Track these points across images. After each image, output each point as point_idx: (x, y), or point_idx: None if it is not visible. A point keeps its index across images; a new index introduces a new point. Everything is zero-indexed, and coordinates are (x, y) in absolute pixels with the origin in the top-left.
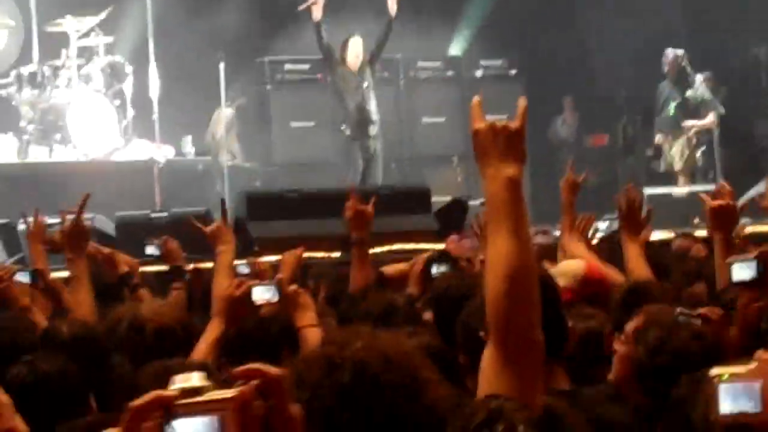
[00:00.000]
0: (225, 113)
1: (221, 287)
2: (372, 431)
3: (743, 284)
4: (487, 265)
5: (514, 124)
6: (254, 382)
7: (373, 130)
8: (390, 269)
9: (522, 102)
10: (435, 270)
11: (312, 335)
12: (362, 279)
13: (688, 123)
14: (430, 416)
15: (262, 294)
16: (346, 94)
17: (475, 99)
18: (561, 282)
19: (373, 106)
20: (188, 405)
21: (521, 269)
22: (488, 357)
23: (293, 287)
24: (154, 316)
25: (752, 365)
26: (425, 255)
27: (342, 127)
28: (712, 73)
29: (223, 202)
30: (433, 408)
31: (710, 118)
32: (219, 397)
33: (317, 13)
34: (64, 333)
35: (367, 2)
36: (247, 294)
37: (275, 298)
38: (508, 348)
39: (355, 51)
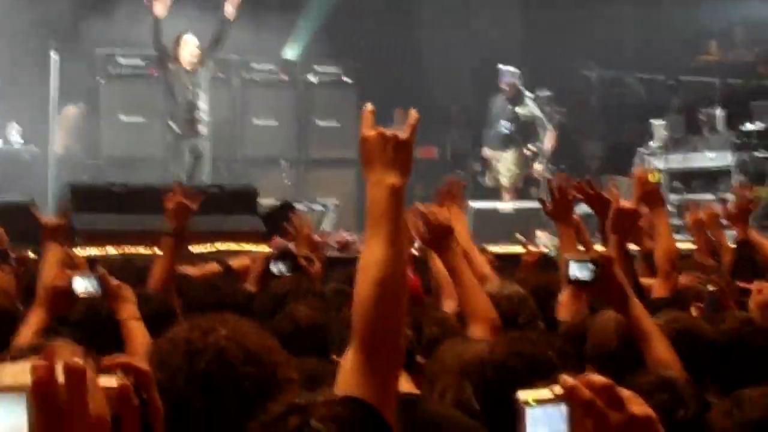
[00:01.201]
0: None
1: (47, 277)
2: (223, 421)
3: (579, 283)
4: (360, 268)
5: (404, 135)
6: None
7: (203, 129)
8: (236, 263)
9: (413, 114)
10: (275, 269)
11: (134, 327)
12: (165, 272)
13: (531, 147)
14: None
15: (84, 286)
16: (177, 92)
17: (368, 106)
18: None
19: (203, 105)
20: None
21: (393, 276)
22: (349, 359)
23: (115, 281)
24: None
25: (557, 388)
26: (266, 252)
27: (171, 124)
28: (553, 93)
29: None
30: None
31: (548, 142)
32: (20, 379)
33: (161, 10)
34: None
35: None
36: (69, 284)
37: (97, 291)
38: (370, 352)
39: (189, 48)
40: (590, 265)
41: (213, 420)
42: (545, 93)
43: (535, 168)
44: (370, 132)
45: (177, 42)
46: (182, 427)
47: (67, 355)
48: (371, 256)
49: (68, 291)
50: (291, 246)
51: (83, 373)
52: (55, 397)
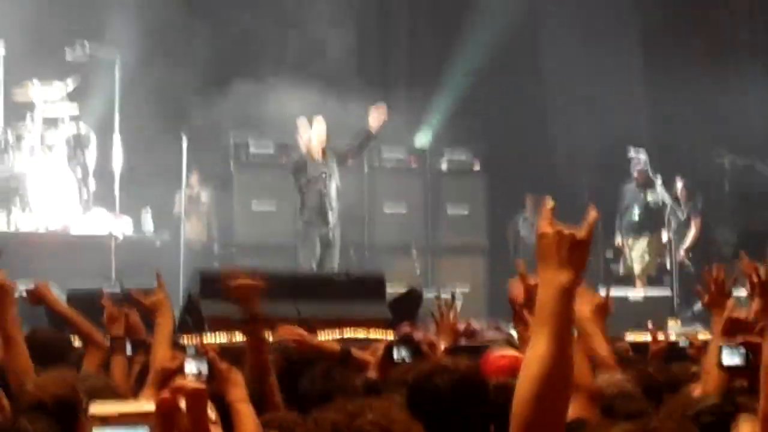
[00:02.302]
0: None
1: (159, 359)
2: None
3: (731, 369)
4: (524, 364)
5: (581, 234)
6: (168, 394)
7: (332, 217)
8: (357, 352)
9: (592, 213)
10: (396, 355)
11: (243, 409)
12: (254, 361)
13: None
14: None
15: (194, 367)
16: (307, 179)
17: (549, 202)
18: None
19: (333, 193)
20: (117, 417)
21: (557, 374)
22: None
23: (224, 364)
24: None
25: None
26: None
27: (301, 213)
28: (687, 180)
29: (158, 275)
30: None
31: (693, 231)
32: (144, 409)
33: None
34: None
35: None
36: (181, 367)
37: (206, 373)
38: None
39: (318, 134)
40: (742, 351)
41: None
42: (681, 183)
43: (679, 255)
44: (548, 229)
45: (307, 127)
46: None
47: (191, 386)
48: (536, 352)
49: (178, 373)
50: (413, 332)
51: (205, 398)
52: (178, 424)
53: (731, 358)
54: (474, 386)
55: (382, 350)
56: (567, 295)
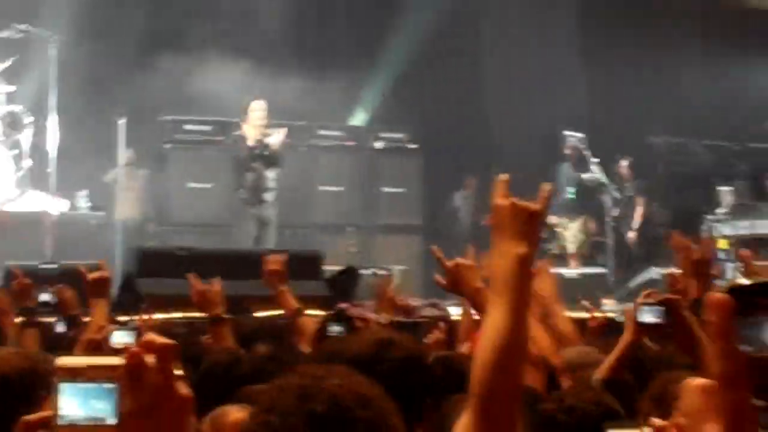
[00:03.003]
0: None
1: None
2: None
3: (649, 327)
4: (482, 334)
5: (535, 206)
6: (138, 348)
7: (269, 196)
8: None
9: (545, 187)
10: (330, 329)
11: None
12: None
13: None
14: None
15: (121, 338)
16: (244, 159)
17: (503, 176)
18: None
19: (270, 173)
20: (86, 369)
21: (515, 343)
22: (464, 424)
23: (152, 335)
24: None
25: (646, 429)
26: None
27: (238, 192)
28: (631, 161)
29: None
30: None
31: (640, 210)
32: (113, 362)
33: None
34: None
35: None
36: (107, 338)
37: (133, 344)
38: (487, 417)
39: (259, 115)
40: (661, 308)
41: None
42: (628, 159)
43: (629, 235)
44: (503, 201)
45: (245, 110)
46: None
47: (160, 341)
48: (493, 323)
49: (103, 345)
50: (349, 308)
51: (173, 353)
52: (146, 380)
53: (649, 315)
54: (416, 360)
55: (316, 325)
56: (523, 266)
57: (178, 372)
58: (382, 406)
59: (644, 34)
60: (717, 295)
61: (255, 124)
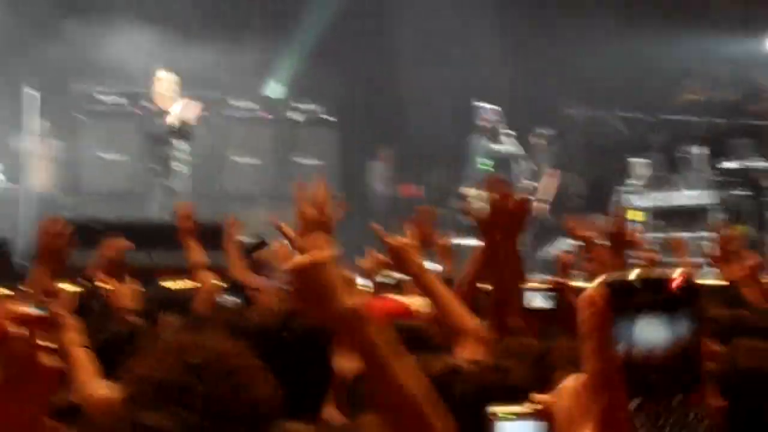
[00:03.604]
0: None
1: None
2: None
3: (539, 312)
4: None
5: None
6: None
7: (180, 166)
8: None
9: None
10: (224, 299)
11: (79, 353)
12: None
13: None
14: (251, 412)
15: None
16: (154, 130)
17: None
18: None
19: (181, 145)
20: None
21: None
22: None
23: (58, 308)
24: None
25: (529, 405)
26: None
27: (149, 164)
28: (552, 132)
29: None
30: (254, 405)
31: (550, 182)
32: None
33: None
34: None
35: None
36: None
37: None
38: None
39: (166, 86)
40: (551, 293)
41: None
42: (542, 130)
43: (537, 206)
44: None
45: (154, 80)
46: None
47: (19, 311)
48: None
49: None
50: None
51: (46, 324)
52: (8, 349)
53: (537, 300)
54: (320, 332)
55: (212, 294)
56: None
57: (47, 343)
58: (239, 362)
59: (560, 5)
60: (590, 292)
61: (163, 94)
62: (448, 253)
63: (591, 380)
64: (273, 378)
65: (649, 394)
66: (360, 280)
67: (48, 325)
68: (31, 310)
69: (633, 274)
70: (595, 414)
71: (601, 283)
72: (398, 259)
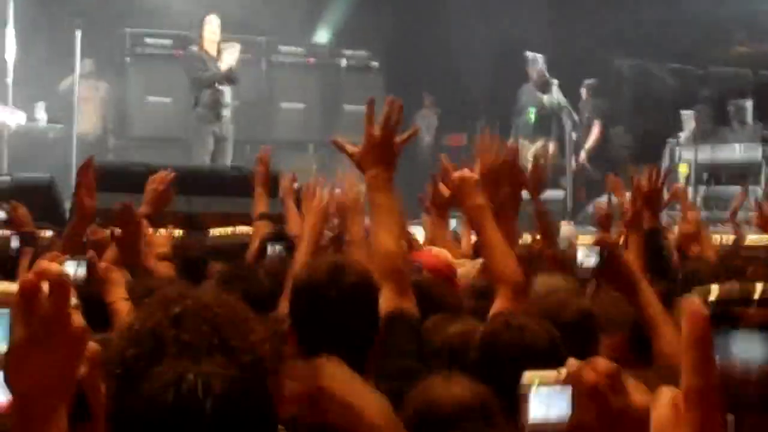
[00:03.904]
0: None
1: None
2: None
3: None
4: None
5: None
6: (32, 276)
7: (226, 112)
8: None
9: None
10: (270, 249)
11: (121, 308)
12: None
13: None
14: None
15: (72, 269)
16: (202, 75)
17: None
18: None
19: (226, 89)
20: None
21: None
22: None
23: (104, 264)
24: None
25: (563, 371)
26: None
27: (194, 108)
28: (596, 81)
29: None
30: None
31: (594, 134)
32: (7, 289)
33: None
34: None
35: None
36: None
37: (83, 274)
38: None
39: (212, 30)
40: (597, 250)
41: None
42: (591, 81)
43: (580, 158)
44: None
45: (202, 24)
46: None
47: (54, 270)
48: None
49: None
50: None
51: (68, 287)
52: (39, 308)
53: (587, 257)
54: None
55: (257, 243)
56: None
57: (74, 302)
58: (239, 306)
59: None
60: (694, 306)
61: (209, 38)
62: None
63: (688, 395)
64: (264, 329)
65: (745, 411)
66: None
67: (69, 282)
68: (60, 268)
69: (735, 290)
70: (690, 430)
71: (702, 297)
72: (462, 192)
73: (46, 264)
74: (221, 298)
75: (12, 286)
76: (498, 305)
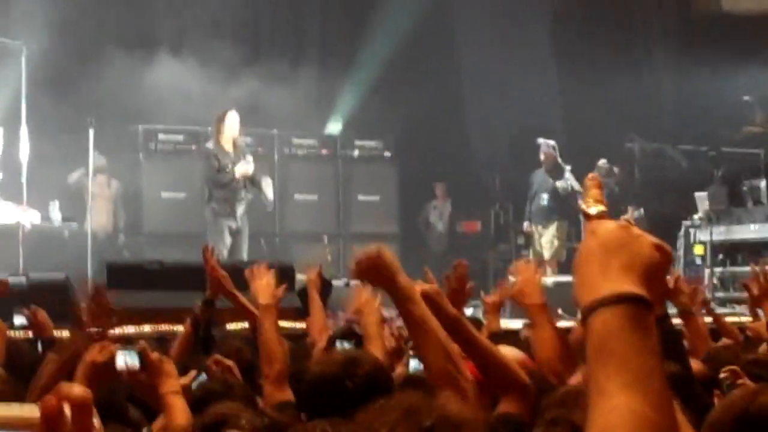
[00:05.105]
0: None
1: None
2: None
3: None
4: None
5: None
6: (53, 399)
7: (240, 208)
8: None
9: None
10: (339, 346)
11: (175, 401)
12: None
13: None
14: None
15: (125, 360)
16: (218, 170)
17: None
18: None
19: (241, 184)
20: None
21: None
22: None
23: (156, 354)
24: None
25: None
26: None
27: (209, 203)
28: (610, 163)
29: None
30: None
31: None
32: (29, 415)
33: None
34: None
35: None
36: (111, 359)
37: (137, 365)
38: None
39: (232, 125)
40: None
41: None
42: (604, 163)
43: None
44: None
45: (222, 119)
46: None
47: (76, 392)
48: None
49: (108, 366)
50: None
51: (90, 404)
52: (61, 430)
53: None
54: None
55: (325, 341)
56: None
57: (96, 421)
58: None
59: (618, 39)
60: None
61: (228, 135)
62: (496, 309)
63: None
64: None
65: None
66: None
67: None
68: (83, 390)
69: None
70: None
71: None
72: (433, 306)
73: (68, 386)
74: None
75: (34, 410)
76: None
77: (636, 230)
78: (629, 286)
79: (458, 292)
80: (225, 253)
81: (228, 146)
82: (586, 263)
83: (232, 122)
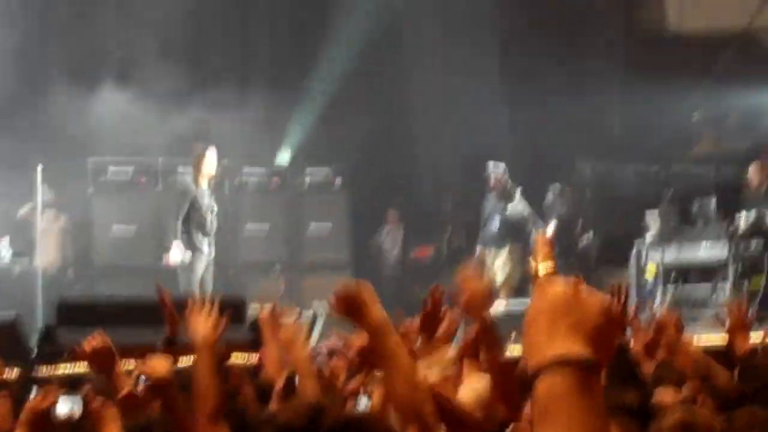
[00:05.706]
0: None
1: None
2: None
3: None
4: None
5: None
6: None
7: (211, 243)
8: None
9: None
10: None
11: None
12: None
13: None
14: None
15: (69, 406)
16: (199, 206)
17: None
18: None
19: (214, 220)
20: None
21: None
22: None
23: (99, 400)
24: None
25: None
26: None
27: (189, 239)
28: (562, 186)
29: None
30: None
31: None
32: None
33: None
34: None
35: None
36: (53, 405)
37: (78, 411)
38: None
39: (211, 164)
40: None
41: None
42: (556, 186)
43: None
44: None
45: (200, 157)
46: None
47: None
48: None
49: (48, 413)
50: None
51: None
52: None
53: None
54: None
55: (283, 381)
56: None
57: None
58: None
59: (566, 61)
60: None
61: (207, 172)
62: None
63: None
64: None
65: None
66: None
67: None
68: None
69: None
70: None
71: None
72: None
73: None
74: None
75: None
76: None
77: (585, 290)
78: (577, 347)
79: (432, 317)
80: (196, 288)
81: (205, 184)
82: (534, 323)
83: (211, 160)
